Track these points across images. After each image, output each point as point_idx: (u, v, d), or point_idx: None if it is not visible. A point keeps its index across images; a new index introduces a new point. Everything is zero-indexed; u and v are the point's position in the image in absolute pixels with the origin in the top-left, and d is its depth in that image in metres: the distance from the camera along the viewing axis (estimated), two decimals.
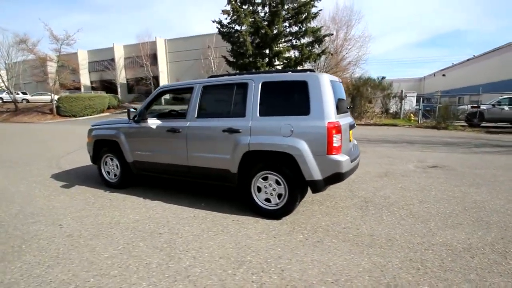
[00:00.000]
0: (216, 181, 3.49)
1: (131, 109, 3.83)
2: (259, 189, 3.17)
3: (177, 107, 5.84)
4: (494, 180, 4.63)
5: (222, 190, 4.13)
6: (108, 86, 34.43)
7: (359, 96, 17.51)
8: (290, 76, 3.12)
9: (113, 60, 34.58)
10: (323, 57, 21.57)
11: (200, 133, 3.40)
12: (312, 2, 18.33)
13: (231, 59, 20.52)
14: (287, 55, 19.36)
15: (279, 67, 20.10)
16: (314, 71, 3.07)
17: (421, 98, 16.38)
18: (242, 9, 18.61)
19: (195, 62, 32.92)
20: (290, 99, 3.03)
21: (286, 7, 18.53)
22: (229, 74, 3.71)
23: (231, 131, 3.16)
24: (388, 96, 17.43)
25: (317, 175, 2.83)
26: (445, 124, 13.50)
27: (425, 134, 11.10)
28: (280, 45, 19.50)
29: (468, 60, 28.61)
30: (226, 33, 20.29)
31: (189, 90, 3.74)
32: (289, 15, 18.68)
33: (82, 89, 33.53)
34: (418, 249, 2.50)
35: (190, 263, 2.29)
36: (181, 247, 2.54)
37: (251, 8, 19.34)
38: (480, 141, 9.33)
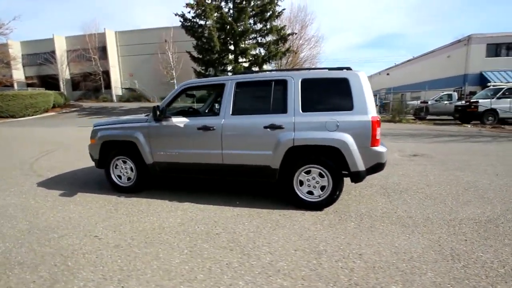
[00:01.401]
0: (253, 178, 3.49)
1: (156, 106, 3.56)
2: (301, 183, 3.28)
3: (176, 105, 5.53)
4: (469, 164, 5.47)
5: (250, 186, 4.13)
6: (50, 82, 30.51)
7: None
8: (329, 73, 3.26)
9: (53, 52, 30.69)
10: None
11: (238, 130, 3.35)
12: (276, 1, 18.76)
13: (196, 55, 19.91)
14: (253, 52, 19.51)
15: (246, 64, 20.20)
16: (351, 69, 3.27)
17: (377, 95, 18.08)
18: (207, 3, 18.17)
19: (151, 56, 31.12)
20: (332, 95, 3.18)
21: (252, 4, 18.63)
22: (259, 71, 3.70)
23: (274, 127, 3.20)
24: None
25: (361, 166, 3.05)
26: (399, 118, 15.15)
27: (387, 127, 12.32)
28: (246, 42, 19.56)
29: (408, 60, 32.36)
30: (189, 27, 19.62)
31: (219, 86, 3.65)
32: (254, 12, 18.83)
33: (15, 85, 29.10)
34: (453, 224, 2.89)
35: (271, 259, 2.31)
36: (250, 245, 2.53)
37: (215, 2, 18.98)
38: (435, 132, 10.76)
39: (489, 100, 12.75)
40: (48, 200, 3.77)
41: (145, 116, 4.02)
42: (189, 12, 19.18)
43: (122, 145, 3.91)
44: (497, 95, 12.67)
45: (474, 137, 9.32)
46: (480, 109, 12.75)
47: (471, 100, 13.33)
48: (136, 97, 31.05)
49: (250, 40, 20.17)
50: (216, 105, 4.92)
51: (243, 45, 19.32)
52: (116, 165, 3.97)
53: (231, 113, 3.39)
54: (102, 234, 2.78)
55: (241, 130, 3.34)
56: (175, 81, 31.18)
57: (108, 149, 3.97)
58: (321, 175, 3.20)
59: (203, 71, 20.30)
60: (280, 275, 2.09)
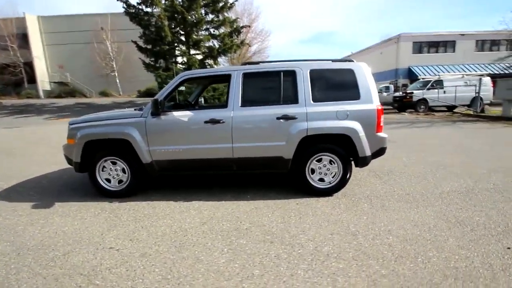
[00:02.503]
0: (265, 169, 3.46)
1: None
2: (312, 171, 3.38)
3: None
4: (426, 145, 6.33)
5: (252, 178, 4.08)
6: None
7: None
8: (335, 64, 3.39)
9: None
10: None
11: (249, 122, 3.27)
12: None
13: (143, 45, 18.39)
14: (207, 44, 18.91)
15: (199, 57, 19.48)
16: (353, 61, 3.46)
17: None
18: None
19: (86, 46, 27.69)
20: (339, 85, 3.33)
21: None
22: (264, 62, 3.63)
23: (287, 118, 3.21)
24: None
25: (368, 151, 3.29)
26: None
27: None
28: (200, 33, 18.83)
29: (348, 56, 35.31)
30: (134, 15, 18.01)
31: (223, 77, 3.48)
32: (206, 2, 18.19)
33: None
34: (444, 196, 3.35)
35: (314, 245, 2.35)
36: (286, 235, 2.53)
37: None
38: (384, 120, 12.05)
39: (421, 91, 14.80)
40: (21, 215, 3.14)
41: (136, 110, 3.62)
42: None
43: (111, 144, 3.46)
44: (427, 87, 14.79)
45: (416, 123, 10.76)
46: (414, 99, 14.73)
47: (407, 91, 15.29)
48: (69, 92, 27.32)
49: (203, 32, 19.46)
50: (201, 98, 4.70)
51: (196, 36, 18.55)
52: (104, 167, 3.50)
53: (240, 104, 3.29)
54: (118, 245, 2.45)
55: (253, 122, 3.27)
56: (116, 74, 28.39)
57: (93, 150, 3.47)
58: (331, 162, 3.36)
59: (152, 63, 18.92)
60: (332, 259, 2.16)
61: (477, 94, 13.09)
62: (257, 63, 3.50)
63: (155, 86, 26.42)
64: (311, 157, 3.32)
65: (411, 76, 23.36)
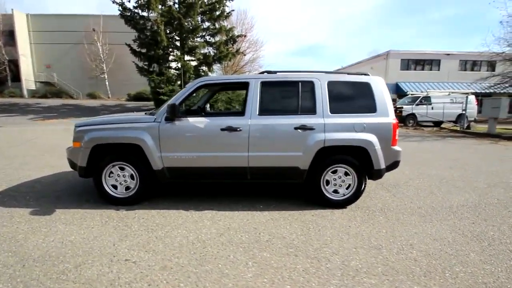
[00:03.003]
0: (279, 180, 3.41)
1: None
2: (327, 182, 3.36)
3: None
4: (424, 159, 6.48)
5: (258, 188, 4.00)
6: None
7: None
8: (353, 77, 3.43)
9: None
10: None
11: (267, 132, 3.22)
12: (224, 1, 18.61)
13: (137, 48, 18.15)
14: (203, 51, 18.89)
15: (194, 63, 19.41)
16: (369, 75, 3.51)
17: None
18: None
19: (76, 46, 27.15)
20: (356, 98, 3.35)
21: (200, 1, 18.01)
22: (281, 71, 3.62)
23: (305, 128, 3.19)
24: None
25: (382, 164, 3.31)
26: None
27: None
28: (195, 40, 18.81)
29: (339, 69, 36.27)
30: (130, 18, 17.82)
31: (240, 85, 3.44)
32: (203, 9, 18.27)
33: None
34: (454, 211, 3.39)
35: (341, 259, 2.30)
36: (309, 248, 2.47)
37: None
38: None
39: (410, 106, 15.31)
40: (19, 222, 2.92)
41: (147, 114, 3.50)
42: (129, 1, 17.44)
43: (120, 149, 3.31)
44: (416, 102, 15.32)
45: (408, 137, 11.06)
46: (404, 113, 15.19)
47: (397, 106, 15.76)
48: (55, 93, 26.47)
49: (199, 38, 19.46)
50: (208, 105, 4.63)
51: (192, 43, 18.51)
52: (111, 172, 3.34)
53: (258, 113, 3.24)
54: (133, 257, 2.31)
55: (270, 131, 3.23)
56: (105, 76, 27.84)
57: (100, 154, 3.31)
58: (346, 174, 3.35)
59: (146, 67, 18.67)
60: (363, 274, 2.11)
61: (463, 111, 13.66)
62: (274, 72, 3.49)
63: (146, 90, 26.10)
64: (327, 168, 3.30)
65: (398, 91, 24.20)
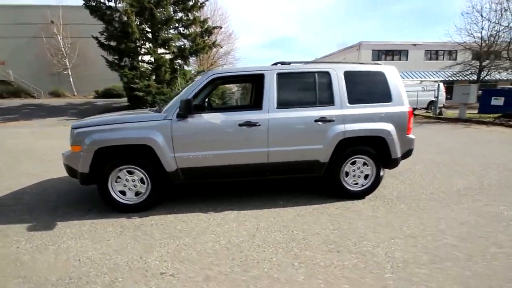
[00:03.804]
0: (299, 174, 3.31)
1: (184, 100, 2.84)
2: (346, 174, 3.33)
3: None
4: (426, 146, 6.75)
5: (269, 183, 3.89)
6: None
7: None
8: (367, 66, 3.39)
9: None
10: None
11: (286, 125, 3.09)
12: None
13: (106, 42, 16.91)
14: (177, 44, 18.10)
15: (168, 56, 18.56)
16: (381, 64, 3.49)
17: None
18: None
19: (33, 40, 24.77)
20: (372, 88, 3.32)
21: None
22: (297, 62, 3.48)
23: (325, 120, 3.12)
24: None
25: (399, 152, 3.34)
26: None
27: None
28: (170, 31, 17.96)
29: (313, 60, 36.80)
30: (95, 9, 16.50)
31: (254, 78, 3.26)
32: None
33: None
34: (464, 193, 3.54)
35: (384, 251, 2.28)
36: (349, 243, 2.42)
37: None
38: None
39: None
40: (19, 240, 2.55)
41: (152, 111, 3.21)
42: None
43: (129, 151, 3.01)
44: None
45: None
46: None
47: None
48: (12, 92, 24.01)
49: (172, 30, 18.60)
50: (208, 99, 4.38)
51: (165, 35, 17.64)
52: (118, 177, 3.03)
53: (276, 106, 3.10)
54: (169, 269, 2.10)
55: (290, 124, 3.10)
56: (69, 72, 25.75)
57: (105, 158, 2.99)
58: (365, 164, 3.34)
59: (116, 61, 17.49)
60: (412, 265, 2.10)
61: (435, 98, 14.50)
62: (288, 63, 3.35)
63: (116, 87, 24.58)
64: (347, 159, 3.26)
65: None
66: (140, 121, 2.99)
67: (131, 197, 3.08)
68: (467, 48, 20.74)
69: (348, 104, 3.20)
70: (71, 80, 25.82)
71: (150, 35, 17.86)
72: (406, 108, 3.32)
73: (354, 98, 3.23)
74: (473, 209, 3.08)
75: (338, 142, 3.16)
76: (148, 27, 17.35)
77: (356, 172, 3.34)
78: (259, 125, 3.03)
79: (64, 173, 3.37)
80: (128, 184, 3.04)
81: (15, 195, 3.77)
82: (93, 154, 2.90)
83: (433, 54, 27.50)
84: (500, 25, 18.44)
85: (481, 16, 19.40)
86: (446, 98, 16.74)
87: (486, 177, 4.19)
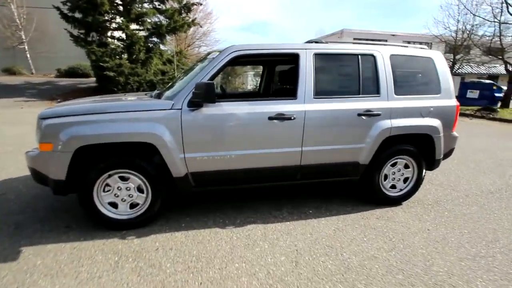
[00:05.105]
0: (333, 178, 2.77)
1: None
2: (385, 177, 2.86)
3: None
4: None
5: (281, 189, 3.33)
6: None
7: (234, 74, 18.34)
8: (415, 50, 2.86)
9: None
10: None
11: (326, 119, 2.50)
12: None
13: (70, 13, 14.86)
14: (153, 20, 16.44)
15: (143, 33, 16.86)
16: (426, 48, 2.99)
17: None
18: None
19: None
20: (420, 76, 2.83)
21: None
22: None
23: (370, 114, 2.57)
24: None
25: (442, 152, 2.93)
26: None
27: None
28: (144, 5, 16.23)
29: None
30: None
31: (286, 57, 2.60)
32: None
33: None
34: (493, 191, 3.31)
35: (465, 279, 1.84)
36: (417, 269, 1.95)
37: None
38: None
39: None
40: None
41: (152, 97, 2.46)
42: None
43: (122, 149, 2.25)
44: None
45: None
46: None
47: None
48: None
49: (146, 4, 16.84)
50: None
51: (139, 9, 15.92)
52: (107, 185, 2.27)
53: (313, 95, 2.48)
54: None
55: (330, 119, 2.52)
56: (25, 46, 22.69)
57: (89, 159, 2.21)
58: (406, 166, 2.89)
59: (83, 36, 15.55)
60: (489, 274, 1.68)
61: None
62: (323, 42, 2.72)
63: (81, 65, 22.14)
64: (388, 160, 2.78)
65: None
66: (139, 111, 2.22)
67: (125, 211, 2.35)
68: (443, 41, 21.29)
69: (395, 95, 2.67)
70: (28, 56, 22.84)
71: (121, 8, 16.03)
72: (454, 101, 2.88)
73: (401, 87, 2.71)
74: (508, 209, 2.81)
75: (382, 141, 2.65)
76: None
77: (396, 175, 2.88)
78: (294, 118, 2.41)
79: (28, 171, 2.51)
80: (121, 193, 2.30)
81: None
82: (71, 155, 2.11)
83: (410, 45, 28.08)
84: (478, 16, 18.86)
85: (458, 8, 19.79)
86: None
87: (507, 175, 3.98)
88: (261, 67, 4.19)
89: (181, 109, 2.25)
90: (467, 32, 20.14)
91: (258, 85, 4.19)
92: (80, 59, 21.32)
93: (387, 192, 2.89)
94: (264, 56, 2.77)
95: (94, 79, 17.64)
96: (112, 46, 15.70)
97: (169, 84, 2.90)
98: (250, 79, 20.35)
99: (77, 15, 14.97)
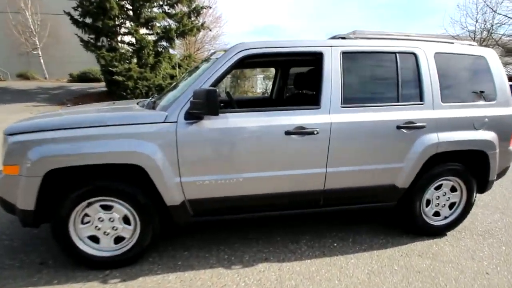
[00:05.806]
0: (362, 205, 2.27)
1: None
2: (427, 202, 2.33)
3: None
4: None
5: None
6: None
7: (243, 76, 18.11)
8: (462, 48, 2.34)
9: None
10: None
11: (357, 133, 2.02)
12: None
13: (81, 18, 14.89)
14: (162, 24, 16.33)
15: (152, 37, 16.76)
16: (476, 44, 2.47)
17: None
18: None
19: None
20: (470, 79, 2.31)
21: None
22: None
23: (412, 127, 2.06)
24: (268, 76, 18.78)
25: (496, 171, 2.38)
26: None
27: None
28: (153, 9, 16.14)
29: None
30: None
31: (308, 56, 2.14)
32: None
33: None
34: None
35: None
36: None
37: None
38: None
39: None
40: None
41: (142, 107, 2.04)
42: None
43: (104, 172, 1.83)
44: None
45: None
46: None
47: None
48: None
49: (156, 8, 16.76)
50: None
51: (148, 13, 15.83)
52: (85, 215, 1.85)
53: (340, 104, 2.00)
54: None
55: (363, 132, 2.03)
56: (39, 52, 23.07)
57: (62, 184, 1.79)
58: (453, 189, 2.35)
59: (93, 41, 15.55)
60: None
61: None
62: (351, 37, 2.25)
63: (93, 70, 22.25)
64: (433, 182, 2.25)
65: None
66: (124, 124, 1.79)
67: (108, 246, 1.92)
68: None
69: (442, 103, 2.16)
70: (42, 61, 23.21)
71: (131, 13, 15.98)
72: (511, 110, 2.33)
73: (449, 93, 2.20)
74: None
75: (427, 159, 2.13)
76: (129, 3, 15.44)
77: (440, 200, 2.35)
78: (317, 133, 1.93)
79: None
80: (103, 226, 1.87)
81: None
82: (41, 180, 1.69)
83: None
84: (499, 14, 17.77)
85: (476, 7, 18.81)
86: None
87: None
88: (273, 69, 3.72)
89: (176, 122, 1.81)
90: (487, 30, 19.18)
91: (269, 90, 3.73)
92: (91, 64, 21.49)
93: (429, 221, 2.36)
94: (279, 55, 2.32)
95: (104, 83, 17.66)
96: (122, 51, 15.63)
97: (165, 90, 2.48)
98: (260, 82, 20.00)
99: (87, 20, 14.99)
